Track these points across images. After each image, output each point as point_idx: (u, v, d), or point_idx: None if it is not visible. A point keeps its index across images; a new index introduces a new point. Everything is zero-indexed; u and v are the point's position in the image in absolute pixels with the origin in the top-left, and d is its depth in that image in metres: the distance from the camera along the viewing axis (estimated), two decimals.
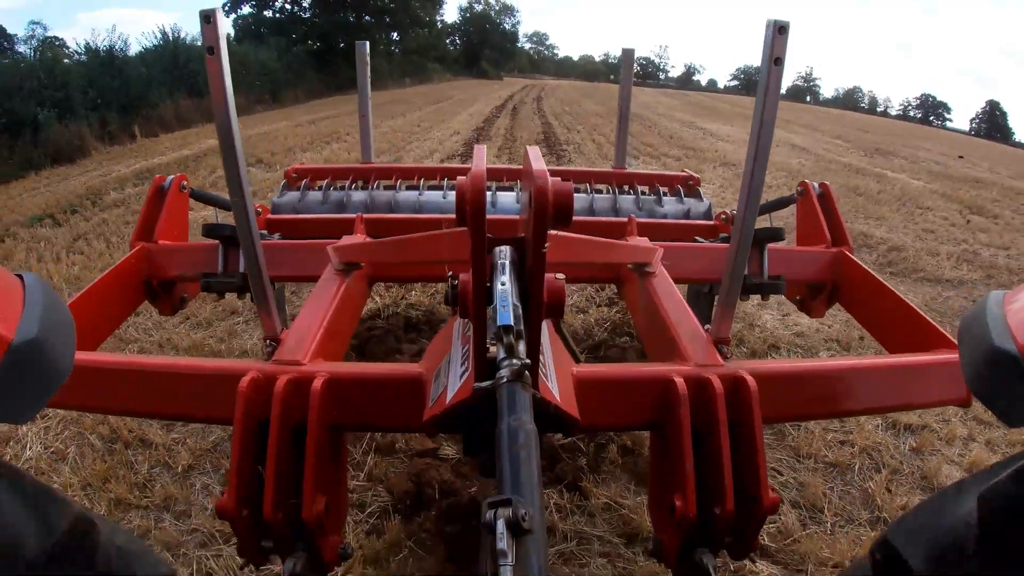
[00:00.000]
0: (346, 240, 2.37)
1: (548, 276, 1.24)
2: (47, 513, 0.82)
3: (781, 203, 2.93)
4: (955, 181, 12.63)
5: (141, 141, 13.75)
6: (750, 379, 1.48)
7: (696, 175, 3.66)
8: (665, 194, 3.51)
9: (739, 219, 1.61)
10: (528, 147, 1.26)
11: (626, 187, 3.55)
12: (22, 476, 0.86)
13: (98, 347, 2.27)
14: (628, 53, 3.53)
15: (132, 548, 0.96)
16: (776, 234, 2.41)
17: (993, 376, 0.93)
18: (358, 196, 3.31)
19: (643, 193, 3.49)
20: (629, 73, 3.55)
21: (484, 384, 1.17)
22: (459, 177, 1.21)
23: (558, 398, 1.36)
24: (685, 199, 3.50)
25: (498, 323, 1.16)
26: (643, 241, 2.30)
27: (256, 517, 1.37)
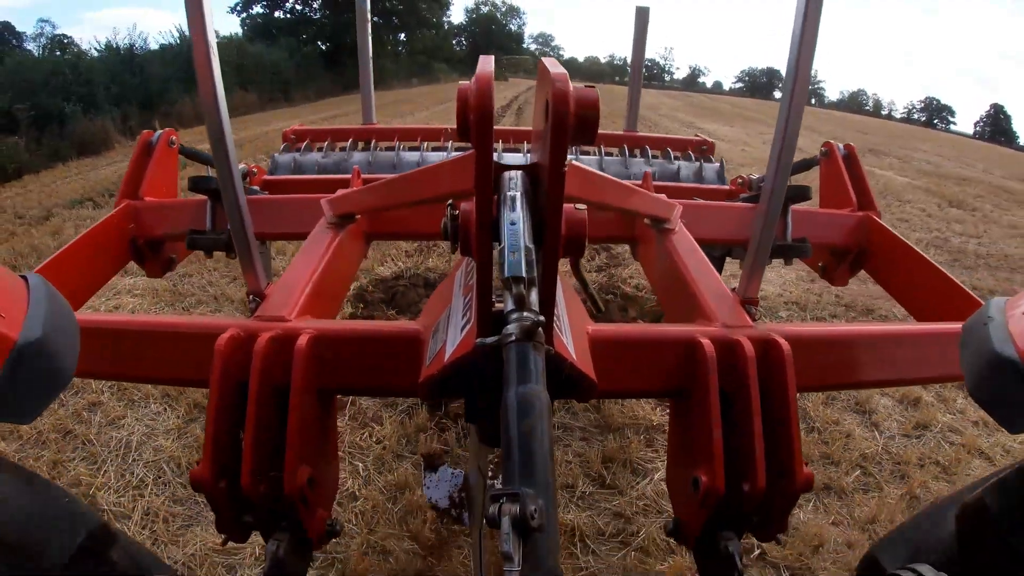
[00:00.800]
0: (340, 192, 2.19)
1: (567, 207, 1.04)
2: (70, 522, 0.85)
3: (804, 165, 2.78)
4: (941, 178, 12.87)
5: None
6: (783, 342, 1.33)
7: (710, 140, 3.52)
8: (678, 158, 3.36)
9: (771, 174, 1.51)
10: (543, 58, 1.04)
11: (637, 151, 3.40)
12: (46, 484, 0.91)
13: (79, 309, 2.15)
14: (643, 12, 3.36)
15: (144, 557, 0.98)
16: (802, 193, 2.26)
17: (994, 382, 0.94)
18: (358, 157, 3.15)
19: (655, 157, 3.34)
20: (643, 34, 3.38)
21: (489, 340, 0.97)
22: (461, 83, 1.01)
23: (574, 356, 1.18)
24: (698, 163, 3.35)
25: (506, 272, 0.96)
26: (661, 196, 2.14)
27: (235, 489, 1.23)
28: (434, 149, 3.19)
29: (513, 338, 0.92)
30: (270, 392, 1.28)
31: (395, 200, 1.81)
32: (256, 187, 2.66)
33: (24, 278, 0.92)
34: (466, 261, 1.44)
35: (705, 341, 1.32)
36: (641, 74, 3.51)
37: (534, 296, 0.96)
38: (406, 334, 1.38)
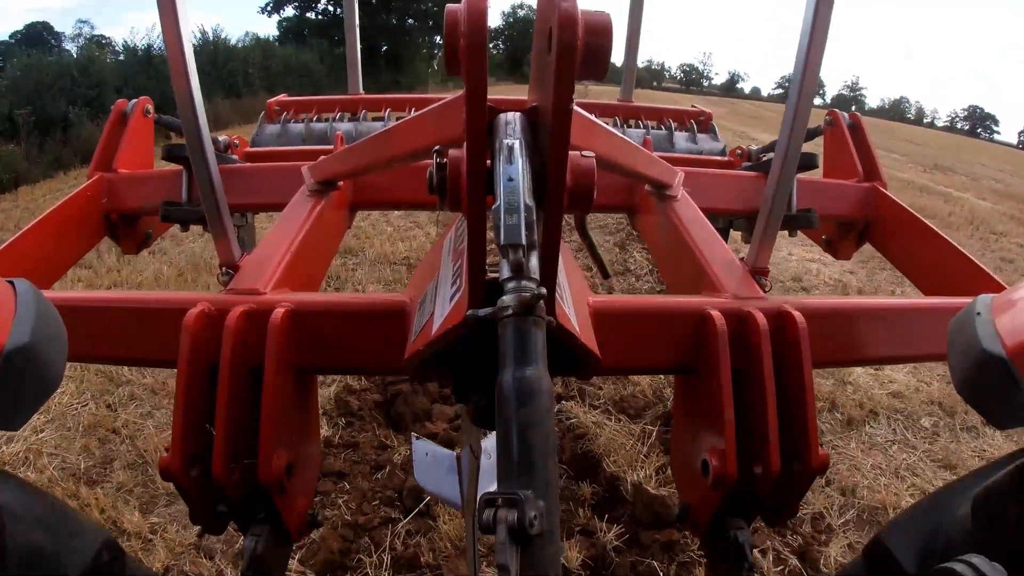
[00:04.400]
0: (321, 158, 2.07)
1: (572, 153, 0.89)
2: (82, 539, 0.87)
3: (807, 135, 2.69)
4: (1020, 202, 12.21)
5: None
6: (798, 315, 1.24)
7: (708, 111, 3.41)
8: (676, 129, 3.25)
9: (784, 138, 1.44)
10: None
11: (632, 121, 3.28)
12: (54, 501, 0.92)
13: (51, 286, 2.04)
14: None
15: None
16: (810, 160, 2.16)
17: (982, 380, 0.94)
18: (344, 127, 3.02)
19: (652, 127, 3.22)
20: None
21: (482, 312, 0.86)
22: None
23: (577, 329, 1.07)
24: (698, 135, 3.24)
25: (502, 239, 0.83)
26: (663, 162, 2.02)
27: (208, 478, 1.14)
28: None
29: (510, 312, 0.81)
30: (244, 372, 1.18)
31: (378, 158, 1.67)
32: (236, 157, 2.54)
33: (11, 283, 0.91)
34: (457, 222, 1.33)
35: (715, 313, 1.23)
36: (638, 42, 3.39)
37: (534, 261, 0.85)
38: (390, 306, 1.28)
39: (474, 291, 0.94)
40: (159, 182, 2.28)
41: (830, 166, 2.66)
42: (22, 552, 0.83)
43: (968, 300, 1.57)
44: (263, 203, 2.27)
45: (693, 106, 3.48)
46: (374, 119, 3.13)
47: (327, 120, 3.10)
